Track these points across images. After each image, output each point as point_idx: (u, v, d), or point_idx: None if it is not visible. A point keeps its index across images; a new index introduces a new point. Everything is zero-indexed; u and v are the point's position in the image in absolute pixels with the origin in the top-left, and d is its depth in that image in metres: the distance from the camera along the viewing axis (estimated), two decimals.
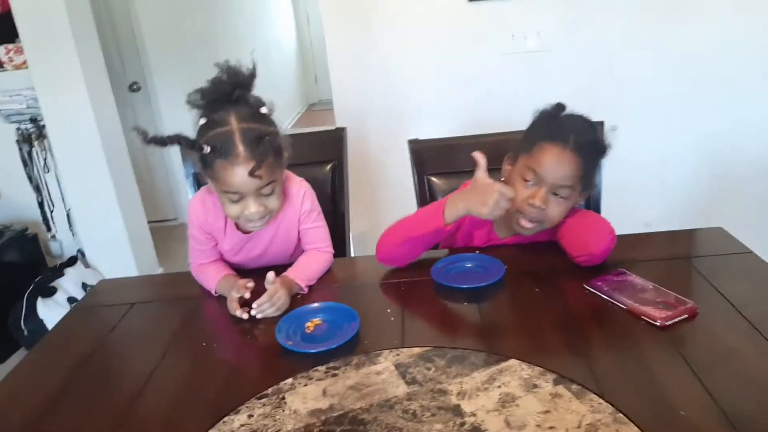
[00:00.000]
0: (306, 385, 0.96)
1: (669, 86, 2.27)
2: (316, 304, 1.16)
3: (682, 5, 2.15)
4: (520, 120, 1.33)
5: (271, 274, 1.19)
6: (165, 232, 3.64)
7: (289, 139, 1.22)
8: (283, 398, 0.94)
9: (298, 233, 1.34)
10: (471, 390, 0.91)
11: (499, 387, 0.91)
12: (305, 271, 1.27)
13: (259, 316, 1.15)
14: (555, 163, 1.19)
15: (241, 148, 1.12)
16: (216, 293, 1.27)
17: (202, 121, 1.16)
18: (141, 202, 3.02)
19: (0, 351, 2.52)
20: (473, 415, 0.86)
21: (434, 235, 1.24)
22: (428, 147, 1.67)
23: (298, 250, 1.37)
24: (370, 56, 2.34)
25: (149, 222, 3.15)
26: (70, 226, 2.91)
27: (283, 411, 0.91)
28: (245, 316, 1.15)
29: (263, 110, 1.19)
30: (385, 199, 2.50)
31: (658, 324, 1.02)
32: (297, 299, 1.22)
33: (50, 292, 2.59)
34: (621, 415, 0.83)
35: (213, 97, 1.15)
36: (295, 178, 1.33)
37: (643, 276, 1.15)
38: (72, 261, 2.79)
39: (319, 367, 1.00)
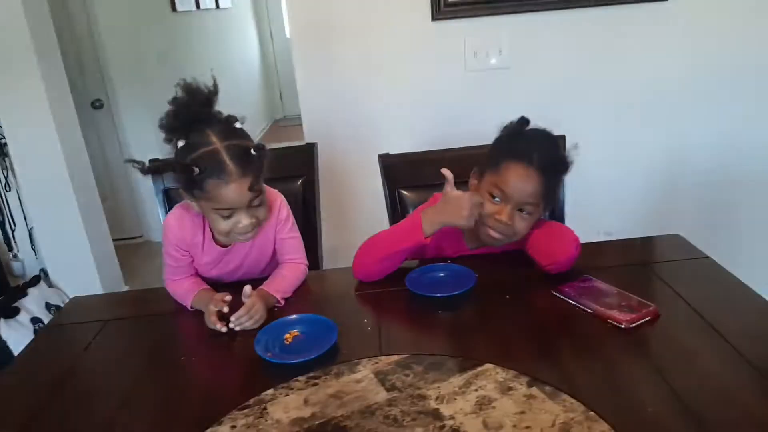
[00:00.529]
0: (287, 395, 0.98)
1: (624, 102, 2.36)
2: (293, 316, 1.17)
3: (635, 28, 2.26)
4: (484, 135, 1.38)
5: (248, 288, 1.20)
6: (130, 250, 3.59)
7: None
8: (265, 408, 0.95)
9: (274, 244, 1.36)
10: (449, 394, 0.94)
11: (476, 390, 0.94)
12: (281, 283, 1.29)
13: (237, 328, 1.17)
14: (521, 183, 1.24)
15: (231, 165, 1.14)
16: (192, 308, 1.28)
17: (181, 143, 1.17)
18: (105, 220, 2.98)
19: None
20: (452, 418, 0.89)
21: (414, 249, 1.29)
22: (398, 161, 1.71)
23: (272, 262, 1.38)
24: (336, 73, 2.37)
25: (113, 240, 3.10)
26: (32, 246, 2.85)
27: (266, 421, 0.93)
28: (224, 329, 1.16)
29: (237, 125, 1.21)
30: (354, 213, 2.52)
31: (623, 326, 1.07)
32: (274, 312, 1.24)
33: (13, 312, 2.52)
34: (592, 413, 0.87)
35: (184, 119, 1.17)
36: (270, 189, 1.35)
37: (607, 282, 1.21)
38: (35, 281, 2.73)
39: (300, 378, 1.02)
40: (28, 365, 1.20)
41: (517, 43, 2.32)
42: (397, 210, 1.68)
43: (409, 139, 2.36)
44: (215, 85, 1.19)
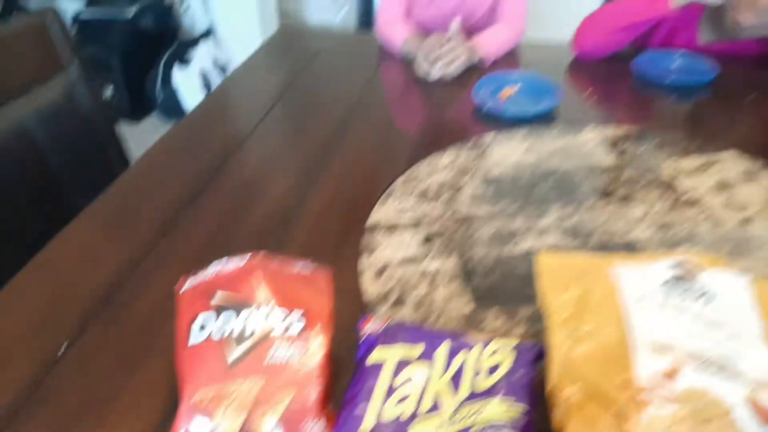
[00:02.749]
0: (509, 140, 0.95)
1: None
2: (515, 73, 1.11)
3: None
4: None
5: (456, 24, 1.15)
6: None
7: None
8: (486, 150, 0.93)
9: None
10: (685, 171, 0.87)
11: (717, 173, 0.87)
12: (489, 41, 1.21)
13: (438, 68, 1.13)
14: None
15: None
16: (401, 50, 1.23)
17: None
18: None
19: (136, 113, 2.64)
20: (687, 192, 0.83)
21: (653, 22, 1.15)
22: None
23: (489, 20, 1.30)
24: None
25: None
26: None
27: (488, 160, 0.91)
28: (436, 74, 1.13)
29: None
30: None
31: None
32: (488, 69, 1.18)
33: (185, 60, 2.63)
34: None
35: None
36: None
37: None
38: (206, 34, 2.80)
39: (520, 128, 0.98)
40: (250, 75, 1.24)
41: None
42: None
43: None
44: None
